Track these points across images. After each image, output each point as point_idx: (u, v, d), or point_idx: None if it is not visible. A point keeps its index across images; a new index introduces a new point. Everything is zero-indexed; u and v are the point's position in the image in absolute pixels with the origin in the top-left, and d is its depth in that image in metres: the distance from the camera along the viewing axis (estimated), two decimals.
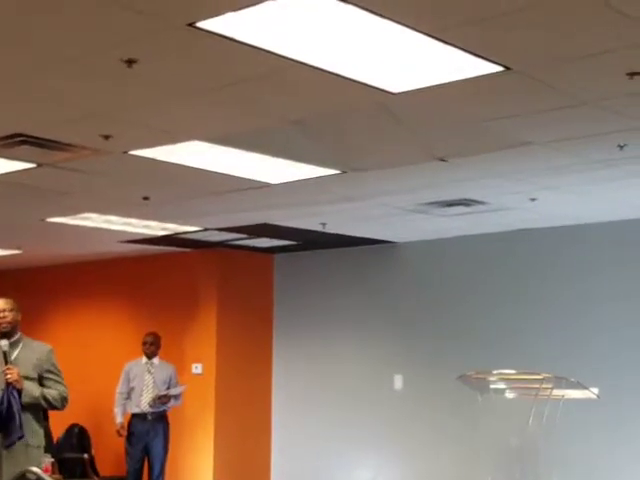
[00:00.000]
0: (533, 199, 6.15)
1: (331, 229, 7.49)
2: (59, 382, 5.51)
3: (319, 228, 7.41)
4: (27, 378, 5.37)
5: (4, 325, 5.48)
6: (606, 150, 4.85)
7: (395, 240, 8.22)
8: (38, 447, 5.44)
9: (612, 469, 6.86)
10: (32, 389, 5.37)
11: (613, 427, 6.86)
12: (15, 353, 5.43)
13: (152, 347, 8.24)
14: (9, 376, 5.30)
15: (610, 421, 6.85)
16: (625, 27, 3.13)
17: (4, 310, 5.50)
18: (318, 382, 8.67)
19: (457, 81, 3.69)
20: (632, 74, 3.60)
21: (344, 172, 5.40)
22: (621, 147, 4.76)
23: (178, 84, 3.75)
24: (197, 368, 8.69)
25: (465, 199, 6.20)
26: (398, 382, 8.12)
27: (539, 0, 2.91)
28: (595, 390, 6.07)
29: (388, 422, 8.14)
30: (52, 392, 5.45)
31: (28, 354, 5.47)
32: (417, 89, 3.79)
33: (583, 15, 3.03)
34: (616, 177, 5.50)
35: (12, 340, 5.47)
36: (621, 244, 7.00)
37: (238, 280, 8.91)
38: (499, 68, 3.54)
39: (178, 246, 8.60)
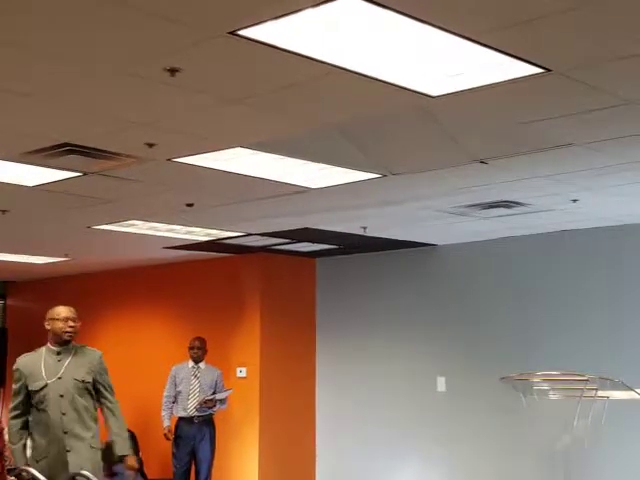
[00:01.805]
0: (575, 200, 6.12)
1: (372, 232, 7.52)
2: (111, 395, 5.61)
3: (360, 232, 7.44)
4: (83, 382, 5.47)
5: (72, 334, 5.55)
6: None
7: (436, 242, 8.22)
8: (99, 449, 5.56)
9: None
10: (125, 446, 5.56)
11: None
12: (69, 359, 5.52)
13: (200, 351, 8.33)
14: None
15: None
16: None
17: (74, 319, 5.55)
18: (361, 385, 8.69)
19: (496, 83, 3.70)
20: None
21: (384, 176, 5.43)
22: None
23: (220, 92, 3.81)
24: (241, 372, 8.77)
25: (506, 201, 6.19)
26: (441, 384, 8.12)
27: (577, 1, 2.93)
28: None
29: (432, 424, 8.14)
30: (119, 421, 5.59)
31: (81, 359, 5.55)
32: (456, 92, 3.80)
33: (622, 14, 3.03)
34: None
35: (66, 347, 5.55)
36: None
37: (281, 284, 8.97)
38: (539, 70, 3.54)
39: (221, 251, 8.68)
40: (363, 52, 3.36)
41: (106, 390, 5.56)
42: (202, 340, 8.38)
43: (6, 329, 11.30)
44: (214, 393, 8.20)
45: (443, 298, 8.20)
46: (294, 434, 8.88)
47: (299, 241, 8.06)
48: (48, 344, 5.58)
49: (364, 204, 6.33)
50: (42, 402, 5.43)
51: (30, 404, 5.49)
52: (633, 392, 5.93)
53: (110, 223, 7.07)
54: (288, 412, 8.86)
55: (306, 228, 7.34)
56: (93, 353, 5.65)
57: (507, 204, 6.28)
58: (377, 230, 7.45)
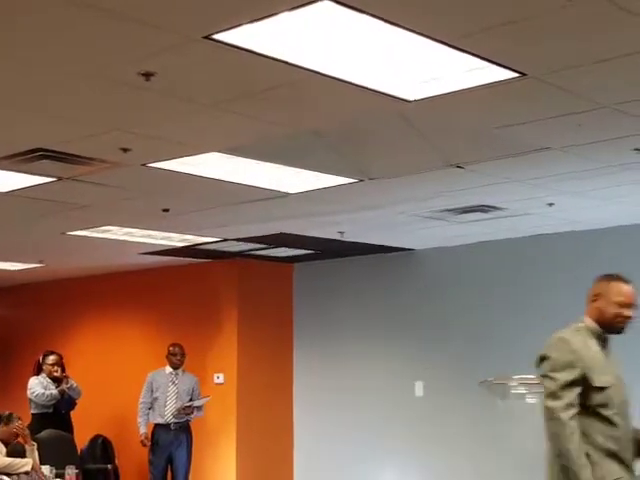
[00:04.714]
0: (551, 204, 6.15)
1: (349, 237, 7.51)
2: None
3: (337, 237, 7.44)
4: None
5: (627, 327, 3.93)
6: (622, 154, 4.85)
7: (413, 247, 8.23)
8: None
9: None
10: None
11: None
12: (611, 353, 3.99)
13: (182, 358, 8.28)
14: None
15: None
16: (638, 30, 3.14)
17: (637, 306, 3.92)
18: (339, 390, 8.67)
19: (472, 88, 3.71)
20: None
21: (361, 180, 5.43)
22: (638, 150, 4.76)
23: (195, 96, 3.79)
24: (219, 378, 8.73)
25: (482, 205, 6.21)
26: (419, 389, 8.12)
27: (552, 7, 2.94)
28: None
29: (410, 429, 8.13)
30: None
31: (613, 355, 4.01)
32: (433, 97, 3.81)
33: (597, 20, 3.05)
34: (633, 180, 5.50)
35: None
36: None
37: (258, 290, 8.94)
38: (514, 74, 3.55)
39: (198, 257, 8.64)
40: (339, 56, 3.35)
41: None
42: (181, 346, 8.34)
43: None
44: (191, 400, 8.15)
45: (421, 303, 8.20)
46: (272, 439, 8.85)
47: (276, 246, 8.04)
48: (589, 323, 3.96)
49: (341, 209, 6.33)
50: (606, 406, 3.76)
51: (581, 405, 3.73)
52: None
53: (85, 229, 7.01)
54: (266, 417, 8.82)
55: (283, 233, 7.33)
56: None
57: (484, 208, 6.30)
58: (354, 235, 7.44)
